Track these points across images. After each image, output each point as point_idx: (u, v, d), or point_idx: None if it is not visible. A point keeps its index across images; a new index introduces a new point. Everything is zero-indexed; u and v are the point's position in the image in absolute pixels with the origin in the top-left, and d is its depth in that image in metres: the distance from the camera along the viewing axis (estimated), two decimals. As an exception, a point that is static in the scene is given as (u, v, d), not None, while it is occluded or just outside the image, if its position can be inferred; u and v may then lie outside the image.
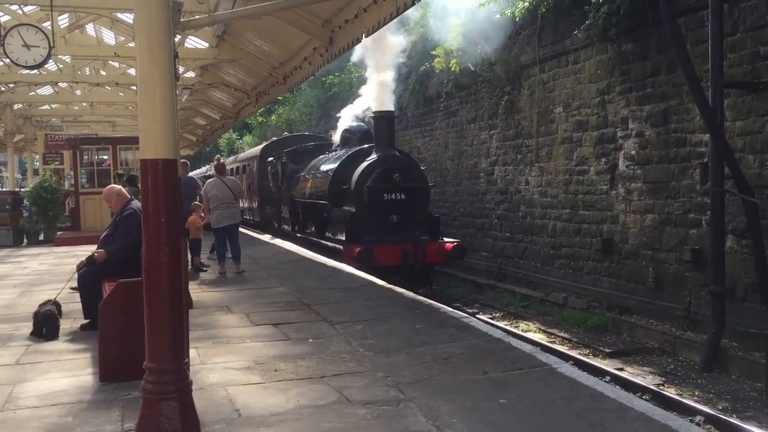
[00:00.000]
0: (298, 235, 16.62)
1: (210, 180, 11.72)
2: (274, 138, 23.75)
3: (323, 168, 15.05)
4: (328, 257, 12.71)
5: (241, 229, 19.40)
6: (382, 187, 12.64)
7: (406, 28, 17.40)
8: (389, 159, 12.99)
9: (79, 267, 7.06)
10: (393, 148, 13.53)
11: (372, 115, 13.80)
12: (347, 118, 16.40)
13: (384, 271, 11.35)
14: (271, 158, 19.74)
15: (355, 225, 12.68)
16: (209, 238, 12.13)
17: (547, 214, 14.34)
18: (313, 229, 15.91)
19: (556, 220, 14.04)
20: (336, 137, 16.45)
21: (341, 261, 11.97)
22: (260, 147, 22.82)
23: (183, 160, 13.96)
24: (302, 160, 17.56)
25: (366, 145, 13.94)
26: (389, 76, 14.08)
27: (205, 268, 11.40)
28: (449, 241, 13.04)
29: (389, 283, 9.76)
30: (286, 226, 18.44)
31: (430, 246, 12.49)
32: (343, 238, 12.93)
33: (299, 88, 22.90)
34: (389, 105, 13.76)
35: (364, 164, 13.02)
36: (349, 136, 15.36)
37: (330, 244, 13.59)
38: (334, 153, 15.67)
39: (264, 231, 20.12)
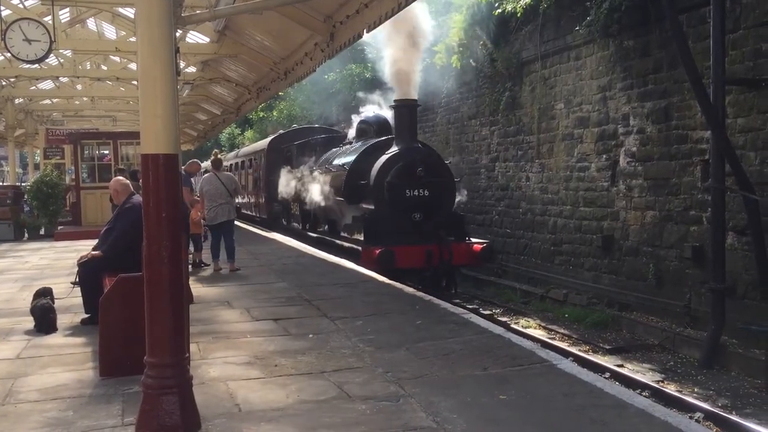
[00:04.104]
0: (310, 234, 15.55)
1: (205, 176, 11.56)
2: (282, 131, 22.77)
3: (338, 162, 14.04)
4: (344, 258, 11.82)
5: (247, 227, 19.43)
6: (403, 183, 11.56)
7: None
8: (411, 152, 11.87)
9: (80, 262, 7.07)
10: (415, 140, 12.40)
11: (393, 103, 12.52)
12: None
13: (401, 273, 10.58)
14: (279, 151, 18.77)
15: (375, 224, 11.63)
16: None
17: (548, 210, 14.33)
18: (326, 227, 14.88)
19: (556, 216, 14.04)
20: (351, 130, 15.44)
21: (359, 263, 11.11)
22: (267, 140, 21.59)
23: (194, 159, 13.69)
24: (313, 154, 16.51)
25: (384, 137, 12.89)
26: (414, 59, 12.50)
27: (204, 264, 11.37)
28: (477, 242, 11.98)
29: (408, 286, 9.33)
30: (296, 224, 17.44)
31: (456, 247, 11.46)
32: (361, 238, 11.89)
33: (300, 84, 22.79)
34: (412, 93, 12.37)
35: (384, 158, 11.92)
36: (365, 128, 14.27)
37: (346, 244, 12.46)
38: (348, 146, 14.58)
39: (272, 229, 18.99)
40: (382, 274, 10.04)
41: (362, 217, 12.07)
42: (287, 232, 17.58)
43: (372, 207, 11.92)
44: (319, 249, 13.49)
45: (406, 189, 11.57)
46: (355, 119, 15.41)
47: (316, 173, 15.02)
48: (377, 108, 14.93)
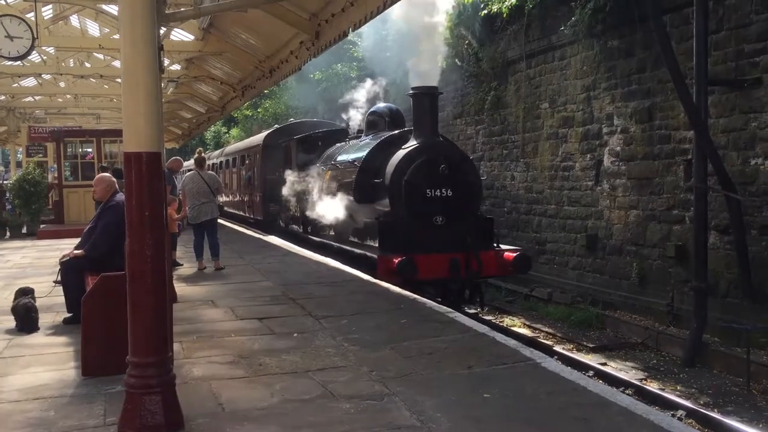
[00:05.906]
0: (312, 238, 14.02)
1: (188, 174, 11.41)
2: (278, 125, 21.50)
3: (345, 157, 12.58)
4: (354, 267, 10.48)
5: (239, 228, 19.27)
6: (424, 182, 10.17)
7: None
8: (433, 146, 10.45)
9: (62, 260, 7.02)
10: (437, 133, 10.87)
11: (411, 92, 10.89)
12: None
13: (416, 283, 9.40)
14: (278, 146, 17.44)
15: (391, 228, 10.24)
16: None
17: (533, 209, 14.39)
18: (331, 231, 13.24)
19: (541, 215, 14.10)
20: (352, 124, 14.37)
21: (373, 274, 9.77)
22: (263, 135, 20.09)
23: (176, 156, 13.55)
24: (315, 149, 15.03)
25: (398, 131, 11.58)
26: (435, 40, 11.16)
27: (181, 263, 11.24)
28: (508, 249, 10.58)
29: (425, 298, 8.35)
30: (295, 226, 15.87)
31: (485, 255, 10.11)
32: (374, 244, 10.68)
33: (284, 83, 22.64)
34: (431, 79, 10.81)
35: (401, 153, 10.52)
36: (376, 120, 12.76)
37: (357, 250, 10.96)
38: (356, 140, 13.19)
39: (267, 232, 17.29)
40: (400, 286, 8.94)
41: (377, 220, 10.69)
42: (285, 235, 16.17)
43: (387, 209, 10.59)
44: (324, 255, 12.21)
45: (427, 189, 10.22)
46: (350, 112, 14.55)
47: (319, 170, 13.73)
48: (366, 105, 14.71)
